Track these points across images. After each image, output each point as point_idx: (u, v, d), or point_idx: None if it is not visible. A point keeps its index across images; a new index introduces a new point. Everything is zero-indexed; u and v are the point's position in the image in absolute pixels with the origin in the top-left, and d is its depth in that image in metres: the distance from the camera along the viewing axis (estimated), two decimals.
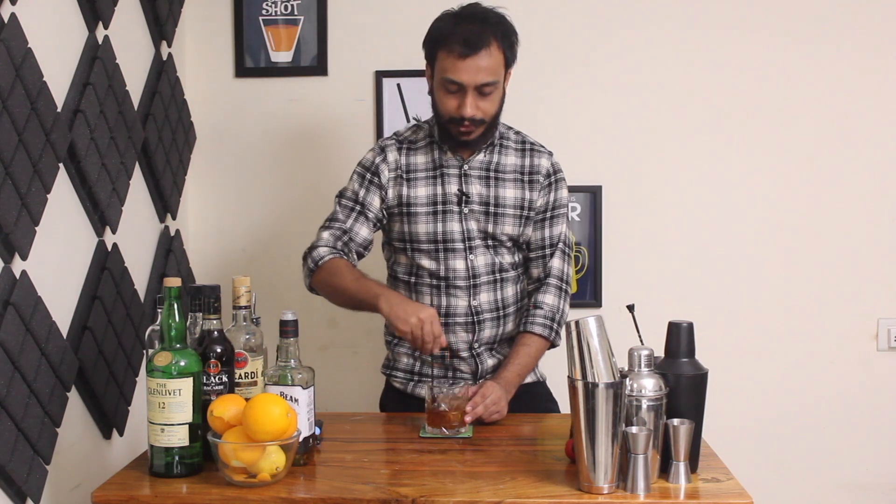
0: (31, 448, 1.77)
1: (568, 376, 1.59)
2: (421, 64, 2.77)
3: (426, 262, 2.14)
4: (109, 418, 2.15)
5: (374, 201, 2.15)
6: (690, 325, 1.68)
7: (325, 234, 2.13)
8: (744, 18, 2.76)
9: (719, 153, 2.79)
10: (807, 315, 2.80)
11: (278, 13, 2.81)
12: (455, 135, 2.08)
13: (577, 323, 1.57)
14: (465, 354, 2.17)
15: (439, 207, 2.13)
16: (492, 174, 2.15)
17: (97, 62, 2.10)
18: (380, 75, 2.80)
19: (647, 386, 1.62)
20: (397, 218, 2.16)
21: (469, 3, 2.09)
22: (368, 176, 2.16)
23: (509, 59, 2.07)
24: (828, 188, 2.78)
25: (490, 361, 2.18)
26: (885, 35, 2.76)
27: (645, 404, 1.61)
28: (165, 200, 2.57)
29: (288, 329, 1.73)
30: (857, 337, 2.81)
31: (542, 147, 2.22)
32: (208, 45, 2.82)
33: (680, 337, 1.68)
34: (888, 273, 2.79)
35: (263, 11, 2.81)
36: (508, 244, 2.17)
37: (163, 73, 2.55)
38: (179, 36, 2.72)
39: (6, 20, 1.73)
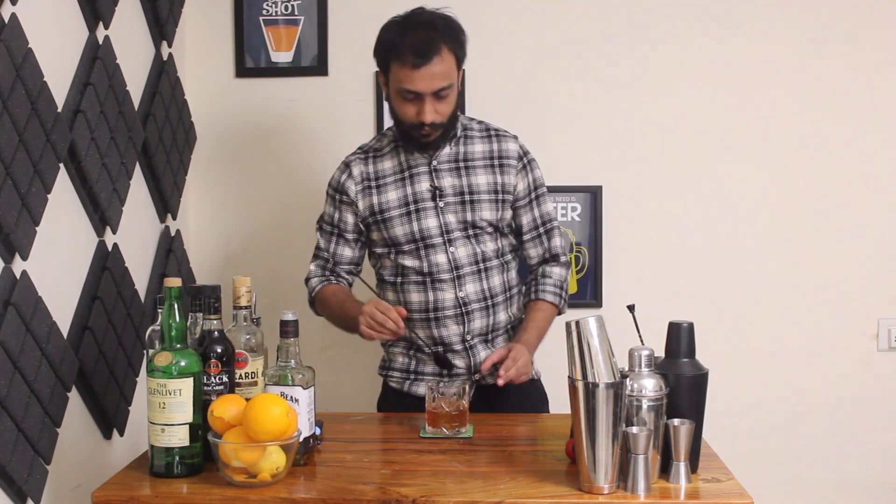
0: (31, 448, 1.77)
1: (568, 376, 1.59)
2: None
3: (409, 262, 2.16)
4: (110, 418, 2.15)
5: (349, 219, 2.21)
6: (690, 325, 1.68)
7: (313, 267, 2.26)
8: (745, 20, 2.76)
9: (719, 153, 2.79)
10: (807, 315, 2.80)
11: (278, 13, 2.81)
12: (416, 138, 2.12)
13: (577, 323, 1.57)
14: (458, 348, 2.17)
15: (412, 207, 2.15)
16: (461, 164, 2.18)
17: (97, 62, 2.10)
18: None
19: (648, 386, 1.62)
20: (374, 227, 2.19)
21: (413, 10, 2.11)
22: (338, 196, 2.21)
23: (460, 59, 2.11)
24: (828, 188, 2.78)
25: (484, 354, 2.18)
26: (884, 39, 2.75)
27: (645, 404, 1.61)
28: (166, 200, 2.57)
29: (288, 329, 1.74)
30: (857, 337, 2.81)
31: (507, 132, 2.25)
32: (208, 45, 2.83)
33: (680, 337, 1.68)
34: (888, 273, 2.79)
35: (264, 11, 2.81)
36: (490, 230, 2.18)
37: (163, 73, 2.55)
38: (180, 36, 2.72)
39: (6, 20, 1.73)
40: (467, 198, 2.16)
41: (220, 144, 2.86)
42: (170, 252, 2.58)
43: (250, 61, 2.82)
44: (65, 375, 1.91)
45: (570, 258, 2.31)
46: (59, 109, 1.93)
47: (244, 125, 2.85)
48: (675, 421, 1.62)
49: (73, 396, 1.99)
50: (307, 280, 2.26)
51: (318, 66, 2.81)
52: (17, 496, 1.74)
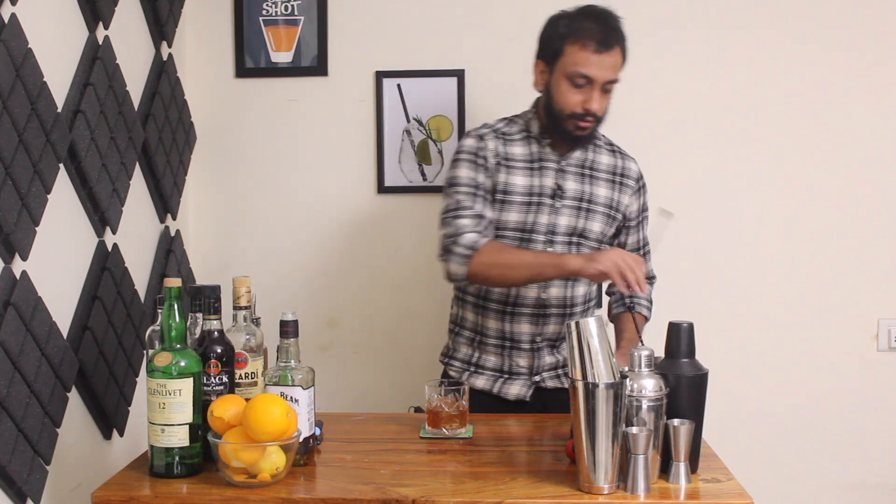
0: (31, 448, 1.77)
1: (568, 376, 1.59)
2: (420, 64, 2.80)
3: None
4: (109, 418, 2.15)
5: (487, 183, 2.14)
6: (690, 326, 1.68)
7: (465, 221, 2.09)
8: (749, 19, 2.75)
9: (719, 153, 2.79)
10: (807, 315, 2.80)
11: (278, 13, 2.81)
12: (571, 129, 2.10)
13: (577, 323, 1.57)
14: (525, 346, 2.18)
15: (534, 199, 2.15)
16: (587, 171, 2.19)
17: (97, 62, 2.10)
18: (380, 75, 2.80)
19: (648, 386, 1.62)
20: (491, 204, 2.16)
21: (589, 4, 2.12)
22: (478, 161, 2.14)
23: (624, 62, 2.12)
24: (828, 188, 2.78)
25: (548, 359, 2.19)
26: (891, 38, 2.75)
27: (645, 404, 1.61)
28: (165, 200, 2.57)
29: (288, 329, 1.73)
30: (857, 337, 2.80)
31: (627, 152, 2.28)
32: (208, 45, 2.82)
33: (680, 337, 1.68)
34: (888, 273, 2.79)
35: (263, 11, 2.81)
36: (593, 244, 2.19)
37: (163, 74, 2.55)
38: (179, 36, 2.72)
39: (6, 20, 1.73)
40: (584, 205, 2.17)
41: (220, 144, 2.86)
42: (170, 252, 2.58)
43: (250, 61, 2.82)
44: (65, 375, 1.91)
45: None
46: (59, 109, 1.93)
47: (244, 125, 2.85)
48: (675, 421, 1.62)
49: (73, 397, 1.99)
50: (457, 235, 2.08)
51: (318, 67, 2.81)
52: (17, 496, 1.74)
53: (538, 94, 2.20)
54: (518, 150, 2.17)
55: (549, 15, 2.15)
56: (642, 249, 2.29)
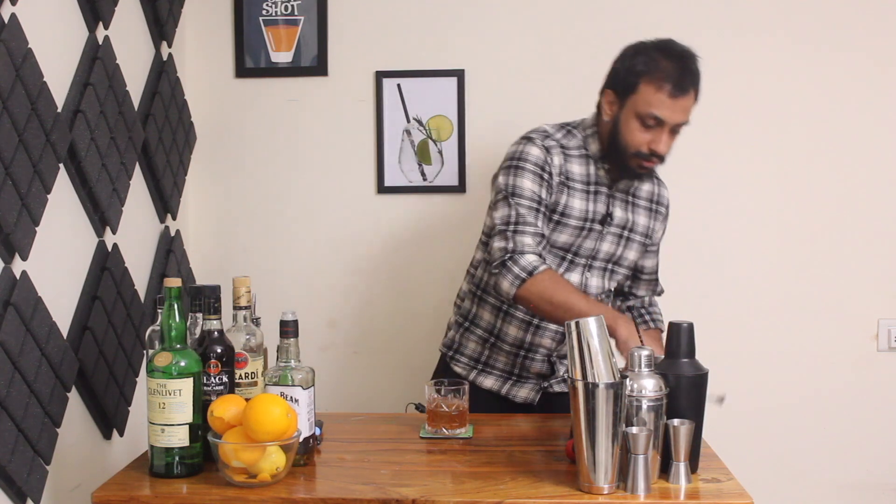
0: (31, 448, 1.77)
1: (568, 376, 1.59)
2: (421, 64, 2.79)
3: None
4: (109, 418, 2.15)
5: (549, 201, 2.08)
6: (690, 326, 1.68)
7: (527, 240, 2.02)
8: (749, 19, 2.75)
9: (719, 153, 2.79)
10: (807, 315, 2.80)
11: (278, 13, 2.81)
12: (633, 167, 2.06)
13: (577, 323, 1.57)
14: (539, 358, 2.18)
15: (587, 224, 2.12)
16: (630, 199, 2.18)
17: (97, 62, 2.10)
18: (380, 75, 2.80)
19: (648, 386, 1.62)
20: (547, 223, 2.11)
21: (669, 40, 2.04)
22: (544, 175, 2.07)
23: (696, 103, 2.07)
24: (828, 188, 2.78)
25: (560, 368, 2.20)
26: (894, 39, 2.75)
27: (645, 404, 1.61)
28: (165, 200, 2.57)
29: (288, 329, 1.73)
30: (857, 337, 2.80)
31: (661, 177, 2.26)
32: (208, 45, 2.82)
33: (680, 337, 1.68)
34: (888, 273, 2.79)
35: (263, 11, 2.81)
36: (624, 271, 2.20)
37: (163, 74, 2.55)
38: (179, 36, 2.72)
39: (6, 20, 1.73)
40: (626, 234, 2.16)
41: (220, 144, 2.86)
42: (170, 252, 2.58)
43: (250, 61, 2.82)
44: (65, 375, 1.91)
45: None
46: (59, 109, 1.93)
47: (244, 125, 2.85)
48: (675, 421, 1.62)
49: (73, 396, 1.99)
50: (518, 253, 2.00)
51: (318, 66, 2.81)
52: (16, 496, 1.74)
53: (597, 114, 2.13)
54: (576, 168, 2.11)
55: (626, 44, 2.07)
56: (657, 273, 2.31)
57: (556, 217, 2.10)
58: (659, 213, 2.23)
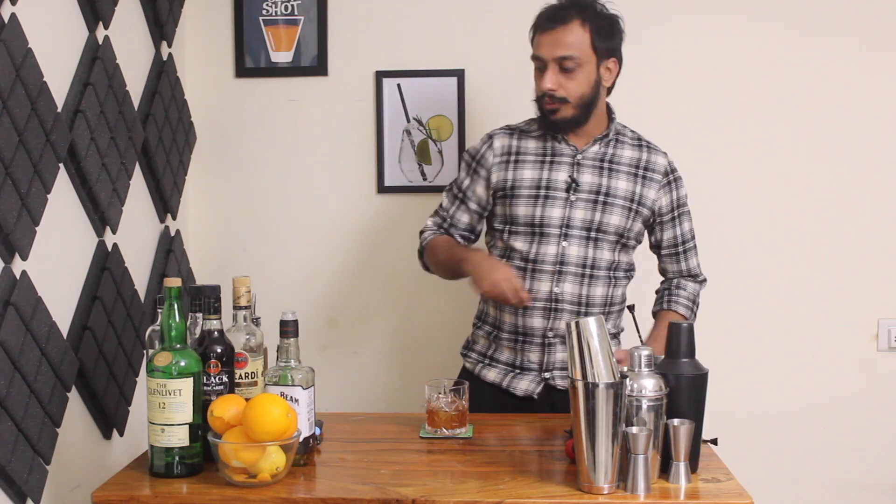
0: (31, 448, 1.77)
1: (568, 376, 1.59)
2: (420, 64, 2.80)
3: (519, 245, 2.17)
4: (109, 418, 2.15)
5: (477, 189, 2.24)
6: (690, 326, 1.69)
7: (429, 221, 2.31)
8: (753, 13, 2.74)
9: (719, 153, 2.79)
10: (807, 315, 2.80)
11: (278, 13, 2.81)
12: (545, 115, 2.13)
13: (577, 323, 1.58)
14: (537, 341, 2.17)
15: (542, 192, 2.16)
16: (605, 165, 2.19)
17: (97, 62, 2.10)
18: (380, 75, 2.80)
19: (648, 386, 1.62)
20: (500, 201, 2.20)
21: None
22: (474, 165, 2.25)
23: (598, 45, 2.09)
24: (828, 188, 2.78)
25: (560, 356, 2.17)
26: (890, 36, 2.75)
27: (645, 404, 1.61)
28: (165, 200, 2.57)
29: (288, 329, 1.74)
30: (857, 337, 2.80)
31: (658, 146, 2.26)
32: (208, 45, 2.82)
33: (680, 337, 1.68)
34: (888, 273, 2.79)
35: (263, 11, 2.81)
36: (612, 238, 2.18)
37: (163, 74, 2.55)
38: (179, 36, 2.72)
39: (6, 20, 1.73)
40: (601, 198, 2.16)
41: (220, 144, 2.86)
42: (170, 252, 2.58)
43: (250, 61, 2.82)
44: (65, 375, 1.91)
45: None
46: (59, 109, 1.93)
47: (244, 125, 2.85)
48: (675, 421, 1.62)
49: (73, 396, 1.99)
50: (421, 232, 2.31)
51: (318, 66, 2.81)
52: (16, 496, 1.74)
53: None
54: (531, 144, 2.20)
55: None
56: (681, 246, 2.27)
57: (508, 192, 2.18)
58: (651, 179, 2.21)
